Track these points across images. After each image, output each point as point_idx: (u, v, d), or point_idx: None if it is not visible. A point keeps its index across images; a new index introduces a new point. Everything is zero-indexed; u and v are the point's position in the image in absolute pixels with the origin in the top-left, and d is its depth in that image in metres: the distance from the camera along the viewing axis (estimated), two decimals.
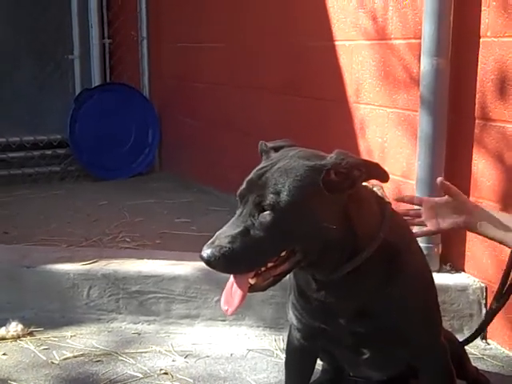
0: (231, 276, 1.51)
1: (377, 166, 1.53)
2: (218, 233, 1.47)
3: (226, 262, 1.44)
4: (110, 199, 4.07)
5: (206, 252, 1.44)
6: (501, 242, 1.83)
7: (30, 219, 3.67)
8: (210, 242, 1.45)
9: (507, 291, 1.93)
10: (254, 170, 1.53)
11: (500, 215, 1.85)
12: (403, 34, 2.74)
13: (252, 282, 1.50)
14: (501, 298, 1.96)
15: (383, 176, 1.54)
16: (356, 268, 1.55)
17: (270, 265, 1.50)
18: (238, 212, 1.49)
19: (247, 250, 1.45)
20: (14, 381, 2.25)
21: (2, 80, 5.44)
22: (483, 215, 1.83)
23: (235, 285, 1.50)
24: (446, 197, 1.87)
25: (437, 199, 1.90)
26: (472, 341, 2.10)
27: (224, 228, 1.48)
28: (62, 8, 5.06)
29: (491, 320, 2.04)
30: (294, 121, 3.53)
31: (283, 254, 1.50)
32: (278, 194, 1.45)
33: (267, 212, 1.44)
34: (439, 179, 1.88)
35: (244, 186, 1.51)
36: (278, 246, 1.48)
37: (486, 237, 1.86)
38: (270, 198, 1.44)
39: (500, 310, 1.98)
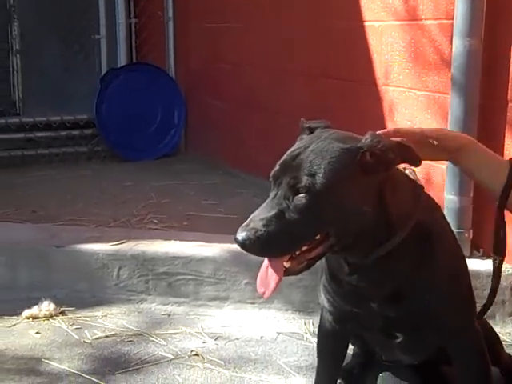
0: (265, 259, 1.50)
1: (410, 149, 1.52)
2: (252, 215, 1.46)
3: (261, 246, 1.43)
4: (137, 180, 4.09)
5: (241, 235, 1.42)
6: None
7: (57, 199, 3.70)
8: (244, 224, 1.44)
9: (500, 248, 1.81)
10: (288, 152, 1.52)
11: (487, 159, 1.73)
12: (434, 15, 2.71)
13: (287, 265, 1.49)
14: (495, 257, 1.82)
15: (416, 160, 1.52)
16: (389, 251, 1.55)
17: (304, 248, 1.49)
18: (271, 194, 1.48)
19: (282, 233, 1.43)
20: (48, 359, 2.29)
21: (29, 60, 5.47)
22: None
23: (270, 268, 1.49)
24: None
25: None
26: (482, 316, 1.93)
27: (258, 210, 1.46)
28: None
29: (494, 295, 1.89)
30: (322, 103, 3.51)
31: (317, 237, 1.49)
32: (313, 176, 1.43)
33: (302, 194, 1.43)
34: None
35: (277, 167, 1.49)
36: (313, 229, 1.47)
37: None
38: (305, 180, 1.43)
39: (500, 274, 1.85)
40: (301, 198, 1.44)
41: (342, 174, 1.45)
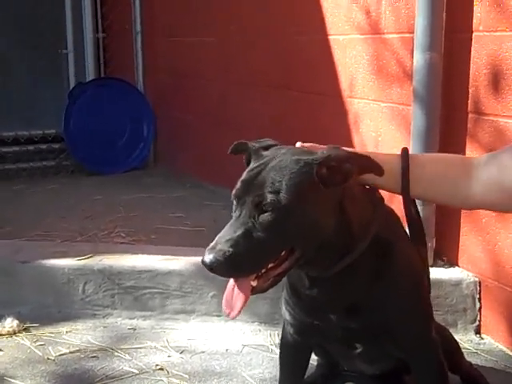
0: (231, 279, 1.49)
1: (368, 158, 1.53)
2: (217, 236, 1.44)
3: (229, 267, 1.41)
4: (105, 194, 4.07)
5: (209, 257, 1.40)
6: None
7: (24, 214, 3.68)
8: (210, 246, 1.42)
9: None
10: (247, 170, 1.52)
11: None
12: (396, 29, 2.75)
13: (253, 284, 1.49)
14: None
15: (376, 168, 1.53)
16: (349, 264, 1.56)
17: (270, 265, 1.49)
18: (235, 214, 1.47)
19: (250, 252, 1.43)
20: (10, 377, 2.26)
21: None
22: None
23: (237, 288, 1.48)
24: None
25: None
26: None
27: (223, 231, 1.45)
28: (55, 2, 5.04)
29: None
30: (288, 115, 3.53)
31: (283, 253, 1.49)
32: (276, 192, 1.44)
33: (268, 212, 1.43)
34: (298, 145, 1.67)
35: (239, 186, 1.49)
36: (280, 245, 1.48)
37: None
38: (269, 198, 1.43)
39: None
40: (266, 215, 1.43)
41: (304, 188, 1.46)
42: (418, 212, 1.76)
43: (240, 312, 1.47)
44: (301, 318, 1.71)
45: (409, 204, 1.72)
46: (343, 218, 1.51)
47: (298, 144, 1.65)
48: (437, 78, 2.52)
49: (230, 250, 1.41)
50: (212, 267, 1.41)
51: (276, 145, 1.60)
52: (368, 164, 1.53)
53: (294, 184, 1.45)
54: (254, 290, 1.49)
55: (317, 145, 1.66)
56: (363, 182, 1.63)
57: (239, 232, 1.43)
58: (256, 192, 1.45)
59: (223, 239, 1.43)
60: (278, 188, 1.44)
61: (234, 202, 1.49)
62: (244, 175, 1.51)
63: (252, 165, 1.53)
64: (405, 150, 1.69)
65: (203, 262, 1.42)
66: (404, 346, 1.69)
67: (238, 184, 1.50)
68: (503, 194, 1.60)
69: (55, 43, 5.05)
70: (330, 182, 1.48)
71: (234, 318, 1.51)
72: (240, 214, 1.46)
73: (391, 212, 1.72)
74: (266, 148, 1.58)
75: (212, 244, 1.43)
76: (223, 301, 1.49)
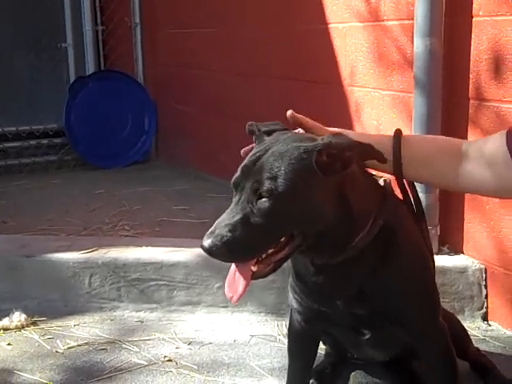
0: (233, 264, 1.52)
1: (369, 146, 1.53)
2: (216, 222, 1.46)
3: (227, 251, 1.44)
4: (108, 188, 4.07)
5: (207, 242, 1.43)
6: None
7: (27, 209, 3.68)
8: (209, 231, 1.45)
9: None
10: (248, 156, 1.53)
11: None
12: (396, 15, 2.74)
13: (254, 269, 1.51)
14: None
15: (378, 156, 1.53)
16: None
17: (270, 251, 1.51)
18: (234, 199, 1.49)
19: (248, 237, 1.44)
20: (20, 370, 2.27)
21: None
22: None
23: (237, 273, 1.50)
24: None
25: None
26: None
27: (222, 216, 1.47)
28: None
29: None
30: (290, 105, 3.47)
31: (283, 239, 1.50)
32: (274, 179, 1.44)
33: (265, 198, 1.44)
34: (288, 113, 1.70)
35: (239, 173, 1.50)
36: (278, 231, 1.49)
37: None
38: (267, 184, 1.44)
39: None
40: (264, 201, 1.44)
41: (302, 174, 1.46)
42: (408, 193, 1.76)
43: (241, 296, 1.49)
44: (307, 305, 1.72)
45: (402, 183, 1.73)
46: (344, 205, 1.52)
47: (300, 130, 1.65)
48: (437, 64, 2.52)
49: (228, 234, 1.43)
50: (210, 251, 1.43)
51: (282, 129, 1.59)
52: (370, 151, 1.53)
53: (292, 170, 1.45)
54: (254, 275, 1.51)
55: (316, 123, 1.67)
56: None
57: (237, 217, 1.44)
58: (255, 178, 1.46)
59: (222, 224, 1.44)
60: (276, 174, 1.45)
61: (234, 188, 1.50)
62: (244, 161, 1.52)
63: (253, 150, 1.54)
64: (397, 131, 1.71)
65: (202, 246, 1.44)
66: (412, 331, 1.70)
67: (238, 170, 1.51)
68: (489, 173, 1.63)
69: (54, 37, 5.04)
70: (330, 169, 1.48)
71: (235, 303, 1.54)
72: (239, 200, 1.47)
73: (395, 197, 1.72)
74: (270, 132, 1.58)
75: (211, 229, 1.45)
76: (225, 285, 1.52)
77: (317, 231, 1.50)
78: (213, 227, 1.45)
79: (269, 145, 1.52)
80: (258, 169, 1.47)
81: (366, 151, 1.52)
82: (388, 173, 1.71)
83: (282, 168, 1.45)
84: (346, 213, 1.52)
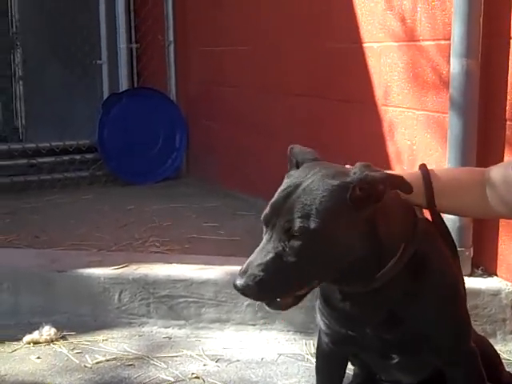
0: None
1: (400, 178, 1.51)
2: (248, 260, 1.46)
3: (259, 291, 1.43)
4: (138, 204, 4.09)
5: (240, 282, 1.43)
6: None
7: (59, 224, 3.71)
8: (241, 270, 1.44)
9: None
10: (278, 192, 1.50)
11: None
12: (432, 36, 2.73)
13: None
14: None
15: (406, 188, 1.51)
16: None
17: None
18: (266, 237, 1.47)
19: (280, 277, 1.43)
20: None
21: (32, 86, 5.52)
22: None
23: None
24: None
25: None
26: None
27: (254, 255, 1.46)
28: (89, 13, 5.11)
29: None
30: (321, 124, 3.52)
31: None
32: (306, 217, 1.42)
33: (297, 238, 1.42)
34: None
35: (269, 209, 1.48)
36: (311, 271, 1.46)
37: None
38: (298, 223, 1.42)
39: None
40: (296, 241, 1.42)
41: (335, 212, 1.43)
42: (445, 224, 1.74)
43: None
44: (335, 329, 1.69)
45: (436, 216, 1.71)
46: (374, 237, 1.48)
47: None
48: (474, 85, 2.50)
49: (261, 274, 1.42)
50: (243, 291, 1.44)
51: (312, 159, 1.56)
52: (400, 184, 1.51)
53: (325, 208, 1.42)
54: (274, 306, 1.51)
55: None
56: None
57: (269, 256, 1.43)
58: (286, 217, 1.44)
59: (254, 263, 1.44)
60: (308, 212, 1.42)
61: (264, 225, 1.49)
62: (275, 197, 1.49)
63: (283, 185, 1.51)
64: (424, 165, 1.70)
65: (234, 285, 1.44)
66: (442, 356, 1.66)
67: (268, 207, 1.49)
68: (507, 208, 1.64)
69: (89, 54, 5.11)
70: (363, 204, 1.45)
71: None
72: (270, 238, 1.45)
73: (428, 224, 1.69)
74: (300, 164, 1.55)
75: (243, 268, 1.45)
76: None
77: (347, 266, 1.48)
78: (245, 266, 1.45)
79: (299, 180, 1.48)
80: (289, 206, 1.44)
81: (397, 183, 1.50)
82: (420, 206, 1.68)
83: (314, 206, 1.42)
84: (377, 243, 1.49)
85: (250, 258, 1.45)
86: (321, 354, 1.82)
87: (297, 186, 1.47)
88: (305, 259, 1.43)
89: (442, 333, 1.63)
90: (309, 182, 1.47)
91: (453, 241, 1.76)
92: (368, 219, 1.47)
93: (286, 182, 1.52)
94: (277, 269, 1.43)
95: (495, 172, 1.69)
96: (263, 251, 1.45)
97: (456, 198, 1.70)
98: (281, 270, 1.43)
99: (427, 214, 1.70)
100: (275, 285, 1.43)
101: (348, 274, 1.50)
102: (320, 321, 1.74)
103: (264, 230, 1.49)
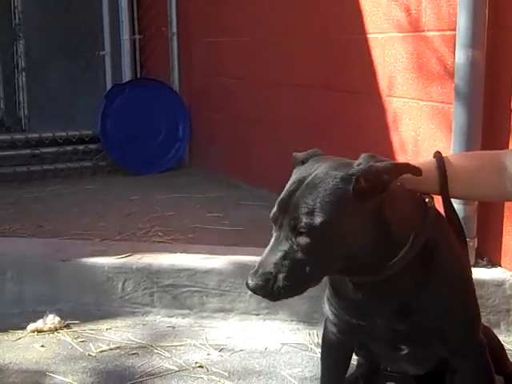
0: None
1: (406, 165, 1.51)
2: (260, 260, 1.47)
3: (272, 290, 1.45)
4: (142, 194, 4.09)
5: (252, 282, 1.45)
6: None
7: (63, 214, 3.71)
8: (253, 270, 1.46)
9: None
10: (284, 190, 1.51)
11: None
12: (437, 26, 2.72)
13: None
14: None
15: (415, 171, 1.51)
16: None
17: None
18: (275, 235, 1.48)
19: (291, 276, 1.45)
20: (52, 372, 2.28)
21: (35, 77, 5.52)
22: None
23: None
24: None
25: None
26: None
27: (265, 255, 1.47)
28: (92, 5, 5.10)
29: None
30: (325, 115, 3.52)
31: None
32: (311, 213, 1.42)
33: (304, 234, 1.43)
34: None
35: (276, 208, 1.49)
36: (321, 267, 1.48)
37: None
38: (304, 220, 1.42)
39: None
40: (303, 237, 1.43)
41: (339, 205, 1.44)
42: (456, 212, 1.74)
43: None
44: (345, 319, 1.70)
45: (448, 203, 1.70)
46: (383, 227, 1.49)
47: None
48: (479, 76, 2.49)
49: (272, 273, 1.44)
50: (256, 291, 1.46)
51: (317, 156, 1.56)
52: (407, 170, 1.52)
53: (329, 202, 1.43)
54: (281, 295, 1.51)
55: None
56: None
57: (279, 255, 1.45)
58: (292, 214, 1.45)
59: (265, 263, 1.45)
60: (312, 208, 1.42)
61: (273, 223, 1.50)
62: (281, 195, 1.50)
63: (289, 182, 1.52)
64: (438, 152, 1.70)
65: (247, 285, 1.47)
66: (451, 346, 1.67)
67: (275, 205, 1.50)
68: None
69: (92, 45, 5.10)
70: (368, 195, 1.45)
71: None
72: (279, 237, 1.47)
73: (439, 213, 1.69)
74: (305, 161, 1.56)
75: (255, 268, 1.46)
76: None
77: (356, 257, 1.48)
78: (257, 266, 1.47)
79: (304, 175, 1.49)
80: (294, 204, 1.45)
81: (405, 170, 1.51)
82: (434, 193, 1.68)
83: (318, 201, 1.43)
84: (386, 234, 1.49)
85: (261, 258, 1.47)
86: (327, 344, 1.83)
87: (301, 182, 1.48)
88: (314, 255, 1.44)
89: (452, 321, 1.64)
90: (313, 177, 1.47)
91: (462, 229, 1.75)
92: (375, 210, 1.47)
93: (292, 179, 1.53)
94: (287, 267, 1.44)
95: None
96: (273, 250, 1.46)
97: (471, 185, 1.70)
98: (291, 267, 1.44)
99: (438, 202, 1.69)
100: (287, 283, 1.44)
101: (360, 264, 1.50)
102: (328, 310, 1.74)
103: (273, 228, 1.50)
